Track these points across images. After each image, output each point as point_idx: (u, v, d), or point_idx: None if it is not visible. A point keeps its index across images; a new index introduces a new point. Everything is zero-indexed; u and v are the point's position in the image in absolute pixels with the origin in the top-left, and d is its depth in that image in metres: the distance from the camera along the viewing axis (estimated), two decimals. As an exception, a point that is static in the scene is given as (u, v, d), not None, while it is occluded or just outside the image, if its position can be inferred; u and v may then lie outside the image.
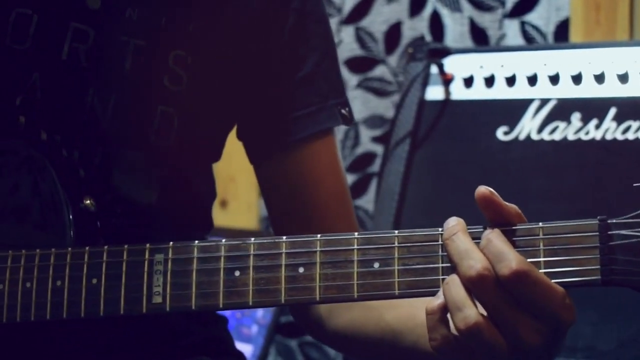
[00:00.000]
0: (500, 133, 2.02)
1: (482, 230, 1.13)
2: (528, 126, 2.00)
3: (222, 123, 1.51)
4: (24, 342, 1.35)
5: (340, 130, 2.76)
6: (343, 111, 1.51)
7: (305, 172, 1.50)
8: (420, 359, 1.35)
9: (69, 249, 1.29)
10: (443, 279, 1.14)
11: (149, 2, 1.41)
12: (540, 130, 1.98)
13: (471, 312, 1.10)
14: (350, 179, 2.78)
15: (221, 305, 1.22)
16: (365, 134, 2.77)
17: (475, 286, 1.10)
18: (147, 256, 1.25)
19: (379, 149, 2.74)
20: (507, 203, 1.14)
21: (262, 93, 1.48)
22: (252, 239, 1.22)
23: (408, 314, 1.36)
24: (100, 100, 1.40)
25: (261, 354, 2.75)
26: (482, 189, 1.13)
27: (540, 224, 1.12)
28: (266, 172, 1.53)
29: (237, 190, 2.96)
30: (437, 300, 1.13)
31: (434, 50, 2.13)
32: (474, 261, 1.10)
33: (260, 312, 2.78)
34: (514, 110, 2.02)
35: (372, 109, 2.75)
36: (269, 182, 1.53)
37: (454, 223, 1.14)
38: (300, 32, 1.48)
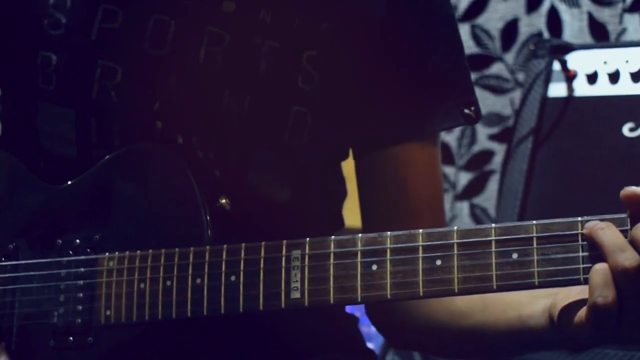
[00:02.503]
0: (626, 129, 2.00)
1: (625, 217, 1.13)
2: (655, 122, 1.97)
3: (350, 120, 1.52)
4: (162, 339, 1.38)
5: (456, 129, 2.75)
6: (467, 111, 1.51)
7: (405, 172, 1.50)
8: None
9: (207, 247, 1.31)
10: (584, 269, 1.14)
11: (282, 4, 1.43)
12: (667, 126, 1.96)
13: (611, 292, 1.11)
14: (467, 177, 2.78)
15: (359, 299, 1.23)
16: (482, 132, 2.76)
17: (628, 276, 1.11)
18: (284, 252, 1.27)
19: (496, 146, 2.73)
20: None
21: (381, 91, 1.48)
22: (388, 232, 1.23)
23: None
24: (235, 101, 1.42)
25: (380, 352, 2.75)
26: (627, 191, 1.14)
27: None
28: (367, 168, 1.53)
29: (352, 189, 2.97)
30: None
31: (556, 46, 2.11)
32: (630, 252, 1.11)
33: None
34: (640, 106, 2.00)
35: (489, 107, 2.74)
36: (368, 179, 1.54)
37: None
38: (425, 33, 1.48)
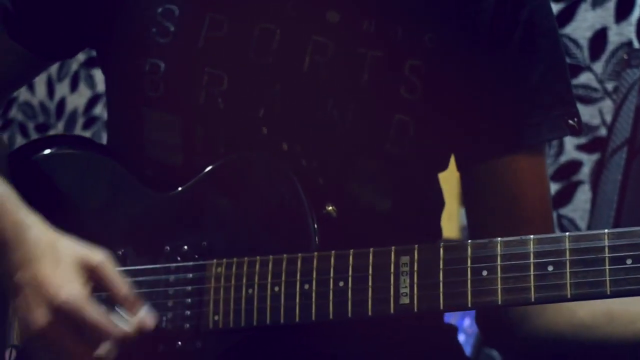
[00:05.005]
0: None
1: None
2: None
3: (452, 130, 1.53)
4: (269, 344, 1.40)
5: (544, 139, 2.73)
6: (570, 122, 1.50)
7: (514, 183, 1.49)
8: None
9: (315, 253, 1.33)
10: (700, 275, 1.13)
11: (385, 14, 1.45)
12: None
13: None
14: (554, 187, 2.76)
15: (470, 305, 1.24)
16: (570, 142, 2.74)
17: None
18: (392, 258, 1.28)
19: (584, 157, 2.71)
20: None
21: (487, 101, 1.49)
22: (499, 238, 1.24)
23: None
24: (338, 110, 1.43)
25: (472, 361, 2.75)
26: None
27: None
28: (474, 179, 1.53)
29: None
30: None
31: (651, 55, 2.10)
32: None
33: (467, 322, 2.78)
34: None
35: (577, 117, 2.72)
36: (475, 190, 1.53)
37: None
38: (527, 44, 1.48)
